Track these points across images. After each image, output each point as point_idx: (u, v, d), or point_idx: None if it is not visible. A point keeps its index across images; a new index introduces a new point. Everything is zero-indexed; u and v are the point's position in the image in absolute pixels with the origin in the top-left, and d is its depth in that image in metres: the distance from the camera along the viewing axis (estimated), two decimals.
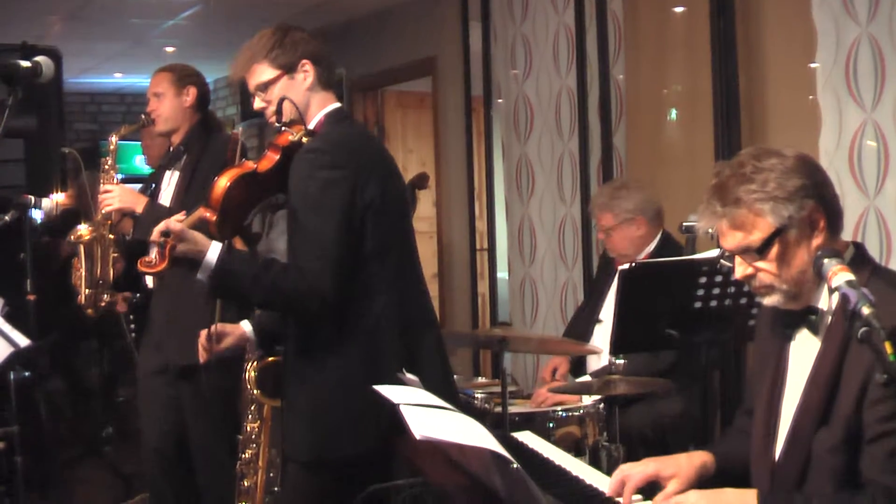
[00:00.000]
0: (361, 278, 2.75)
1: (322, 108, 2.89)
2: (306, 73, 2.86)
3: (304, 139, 2.77)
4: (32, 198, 4.77)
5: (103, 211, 3.91)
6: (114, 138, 4.03)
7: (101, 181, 3.96)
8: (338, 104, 2.94)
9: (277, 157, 2.78)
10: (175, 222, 2.68)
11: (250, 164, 2.79)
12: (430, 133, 7.22)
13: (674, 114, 5.02)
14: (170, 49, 8.08)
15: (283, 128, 2.80)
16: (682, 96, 4.95)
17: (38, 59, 2.86)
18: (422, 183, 5.86)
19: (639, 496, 2.22)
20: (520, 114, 5.66)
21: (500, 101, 5.91)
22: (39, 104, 4.77)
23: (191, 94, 4.01)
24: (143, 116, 4.07)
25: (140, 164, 8.68)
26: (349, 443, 2.75)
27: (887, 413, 1.97)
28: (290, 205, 2.77)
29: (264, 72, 2.85)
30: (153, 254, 2.64)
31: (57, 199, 5.46)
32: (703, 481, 2.27)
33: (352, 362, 2.75)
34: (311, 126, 2.85)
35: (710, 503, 2.08)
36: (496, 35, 5.87)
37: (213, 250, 2.65)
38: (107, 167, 4.00)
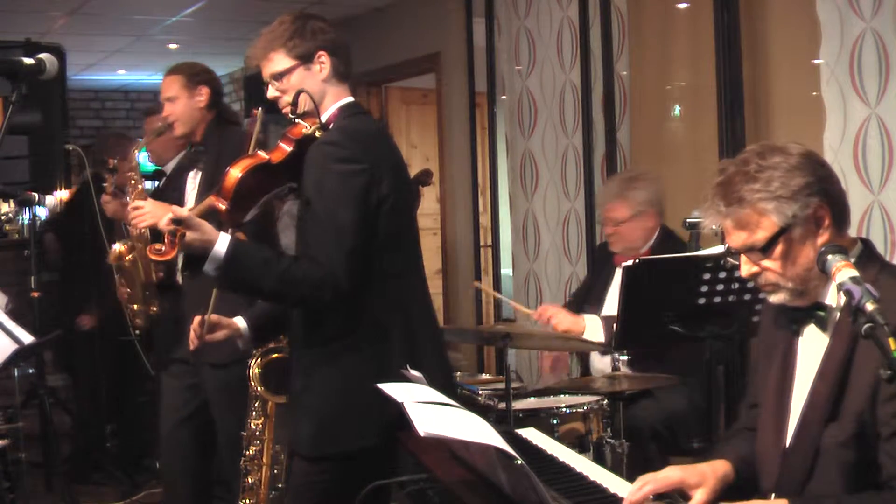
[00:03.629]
0: (371, 273, 2.74)
1: (336, 100, 2.88)
2: (322, 64, 2.84)
3: (318, 132, 2.77)
4: (36, 194, 4.78)
5: (138, 228, 3.90)
6: (135, 152, 4.03)
7: (130, 197, 3.93)
8: (351, 98, 2.92)
9: (290, 148, 2.78)
10: (183, 210, 2.69)
11: (263, 156, 2.79)
12: (433, 129, 7.22)
13: (678, 109, 5.02)
14: (173, 46, 8.08)
15: (297, 120, 2.80)
16: (686, 91, 4.94)
17: (42, 55, 2.86)
18: (425, 179, 5.84)
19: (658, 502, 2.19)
20: (524, 109, 5.65)
21: (503, 96, 5.91)
22: (43, 101, 4.78)
23: (203, 93, 4.00)
24: (160, 124, 4.07)
25: (145, 160, 8.71)
26: (353, 438, 2.75)
27: None
28: (304, 196, 2.76)
29: (280, 61, 2.84)
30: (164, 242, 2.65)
31: (60, 196, 5.46)
32: (725, 489, 2.24)
33: (358, 357, 2.75)
34: (323, 118, 2.84)
35: None
36: (500, 30, 5.87)
37: (222, 241, 2.64)
38: (133, 182, 3.98)
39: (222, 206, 2.73)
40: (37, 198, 4.78)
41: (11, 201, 5.02)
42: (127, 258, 3.95)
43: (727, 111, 4.31)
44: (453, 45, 6.45)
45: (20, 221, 6.65)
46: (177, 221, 2.61)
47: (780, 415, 2.21)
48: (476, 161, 6.35)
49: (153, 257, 2.69)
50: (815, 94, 3.94)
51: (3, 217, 5.28)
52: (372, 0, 7.04)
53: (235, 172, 2.74)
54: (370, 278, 2.74)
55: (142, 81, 9.75)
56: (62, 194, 5.61)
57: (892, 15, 3.63)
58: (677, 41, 4.89)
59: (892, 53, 3.64)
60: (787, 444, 2.17)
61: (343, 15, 7.26)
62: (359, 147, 2.74)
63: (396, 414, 2.62)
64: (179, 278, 3.99)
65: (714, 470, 2.26)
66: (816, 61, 3.91)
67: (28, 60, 2.81)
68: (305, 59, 2.83)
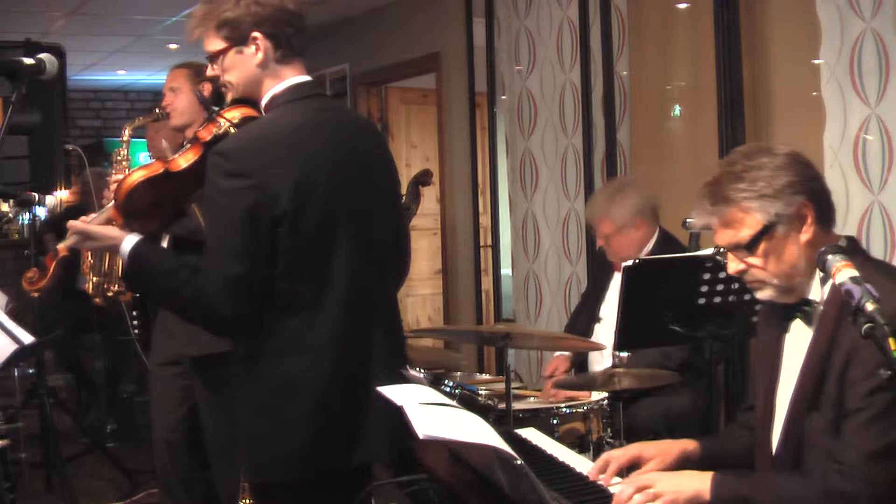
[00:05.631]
0: (272, 297, 2.44)
1: (278, 83, 2.55)
2: (258, 46, 2.51)
3: (233, 130, 2.51)
4: (36, 194, 4.78)
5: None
6: (127, 130, 4.04)
7: (114, 171, 3.96)
8: (299, 78, 2.58)
9: (198, 155, 2.53)
10: (79, 222, 2.57)
11: (160, 165, 2.58)
12: (433, 129, 7.22)
13: (678, 109, 5.02)
14: (173, 46, 8.08)
15: (215, 115, 2.56)
16: (686, 91, 4.95)
17: (42, 55, 2.86)
18: (425, 179, 5.83)
19: (618, 479, 2.30)
20: (523, 109, 5.65)
21: (503, 96, 5.91)
22: (43, 101, 4.77)
23: (206, 89, 4.02)
24: (157, 110, 4.08)
25: (144, 160, 8.72)
26: (254, 469, 2.57)
27: (864, 392, 2.01)
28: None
29: (212, 41, 2.55)
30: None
31: (60, 196, 5.47)
32: (687, 467, 2.33)
33: (264, 384, 2.49)
34: (264, 102, 2.57)
35: (668, 480, 2.15)
36: (500, 30, 5.86)
37: (127, 242, 2.47)
38: (119, 158, 4.00)
39: (117, 220, 2.56)
40: (37, 198, 4.78)
41: (11, 201, 5.02)
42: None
43: (727, 111, 4.31)
44: (453, 45, 6.45)
45: (20, 221, 6.66)
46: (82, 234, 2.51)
47: (768, 411, 2.27)
48: (476, 161, 6.35)
49: (26, 287, 2.64)
50: (815, 94, 3.94)
51: (2, 217, 5.29)
52: (372, 0, 7.04)
53: (125, 184, 2.55)
54: (272, 301, 2.44)
55: (142, 81, 9.76)
56: (62, 194, 5.61)
57: (892, 15, 3.63)
58: (677, 41, 4.89)
59: (892, 53, 3.64)
60: (776, 441, 2.22)
61: (343, 15, 7.27)
62: (252, 158, 2.40)
63: (307, 452, 2.46)
64: None
65: (674, 445, 2.40)
66: (816, 61, 3.90)
67: (28, 60, 2.82)
68: (237, 41, 2.52)
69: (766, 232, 2.14)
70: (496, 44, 5.92)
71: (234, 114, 2.55)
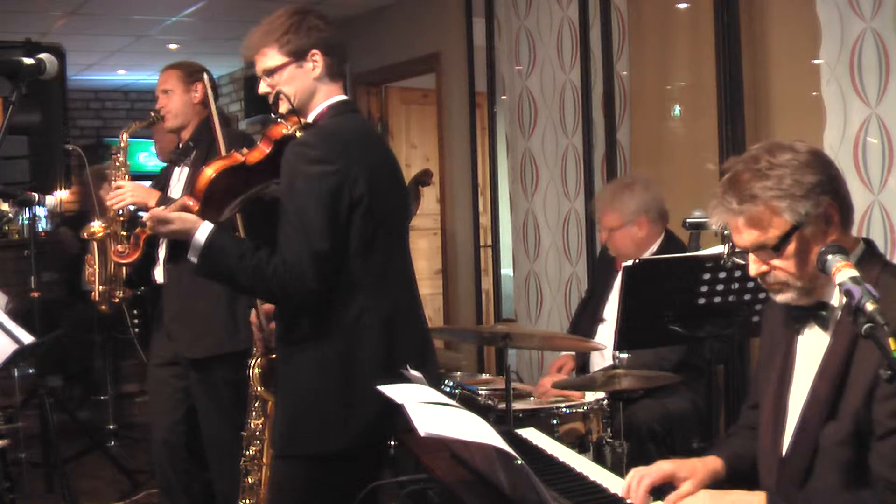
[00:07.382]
0: (344, 276, 2.72)
1: (327, 98, 2.85)
2: (315, 63, 2.82)
3: (299, 132, 2.75)
4: (36, 194, 4.78)
5: (115, 207, 3.91)
6: (124, 135, 4.06)
7: (113, 177, 3.97)
8: (343, 96, 2.90)
9: (269, 149, 2.78)
10: (158, 209, 2.76)
11: (238, 157, 2.79)
12: (433, 129, 7.22)
13: (678, 109, 5.02)
14: (173, 46, 8.08)
15: (280, 119, 2.80)
16: (686, 91, 4.95)
17: (42, 55, 2.87)
18: (425, 179, 5.84)
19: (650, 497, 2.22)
20: (524, 109, 5.65)
21: (503, 96, 5.91)
22: (43, 101, 4.78)
23: (199, 90, 4.04)
24: (152, 113, 4.09)
25: (144, 161, 8.72)
26: (314, 441, 2.74)
27: None
28: (281, 196, 2.76)
29: (272, 57, 2.82)
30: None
31: (60, 196, 5.47)
32: (715, 484, 2.28)
33: (326, 359, 2.73)
34: (312, 116, 2.84)
35: (714, 502, 2.07)
36: (500, 30, 5.86)
37: (203, 230, 2.68)
38: (118, 164, 4.01)
39: (194, 206, 2.76)
40: (37, 198, 4.78)
41: (11, 201, 5.02)
42: (99, 235, 3.94)
43: (727, 111, 4.31)
44: (453, 45, 6.45)
45: (20, 221, 6.65)
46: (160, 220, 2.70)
47: (779, 414, 2.22)
48: (476, 161, 6.35)
49: (116, 259, 2.74)
50: (815, 94, 3.94)
51: (2, 217, 5.29)
52: (372, 0, 7.04)
53: (208, 172, 2.77)
54: (343, 282, 2.72)
55: (142, 81, 9.75)
56: (62, 194, 5.61)
57: (892, 15, 3.63)
58: (677, 41, 4.89)
59: (892, 53, 3.64)
60: (787, 444, 2.18)
61: (343, 15, 7.26)
62: (333, 148, 2.71)
63: (371, 421, 2.69)
64: (159, 277, 3.99)
65: (705, 464, 2.31)
66: (816, 61, 3.90)
67: (28, 60, 2.82)
68: (298, 56, 2.81)
69: (794, 232, 2.07)
70: (496, 44, 5.92)
71: (294, 120, 2.82)
